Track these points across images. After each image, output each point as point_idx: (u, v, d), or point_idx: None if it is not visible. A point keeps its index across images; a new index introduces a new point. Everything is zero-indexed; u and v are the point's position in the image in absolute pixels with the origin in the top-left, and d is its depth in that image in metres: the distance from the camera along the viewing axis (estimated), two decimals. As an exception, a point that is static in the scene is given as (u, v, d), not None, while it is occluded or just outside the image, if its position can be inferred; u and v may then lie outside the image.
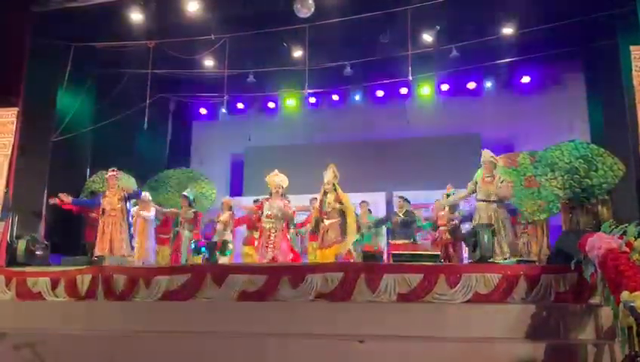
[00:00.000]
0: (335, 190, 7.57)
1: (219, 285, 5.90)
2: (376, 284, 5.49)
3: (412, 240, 8.94)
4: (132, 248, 7.87)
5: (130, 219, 7.97)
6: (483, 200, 6.98)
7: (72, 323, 6.03)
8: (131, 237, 7.89)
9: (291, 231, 8.53)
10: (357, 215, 8.61)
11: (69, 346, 5.58)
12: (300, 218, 9.47)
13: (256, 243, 8.41)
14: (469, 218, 8.65)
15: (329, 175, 7.60)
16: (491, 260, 6.28)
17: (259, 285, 5.77)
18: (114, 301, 6.19)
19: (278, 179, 7.81)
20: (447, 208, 8.94)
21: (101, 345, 5.51)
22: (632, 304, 3.72)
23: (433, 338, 4.99)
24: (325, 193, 7.60)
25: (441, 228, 8.91)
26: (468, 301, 5.30)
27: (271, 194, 7.81)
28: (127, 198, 7.94)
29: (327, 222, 7.49)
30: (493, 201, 6.93)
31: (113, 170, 8.12)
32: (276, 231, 7.56)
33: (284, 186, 7.82)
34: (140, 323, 5.85)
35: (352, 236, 7.73)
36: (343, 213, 7.53)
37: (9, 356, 5.58)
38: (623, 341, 3.91)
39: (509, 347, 4.71)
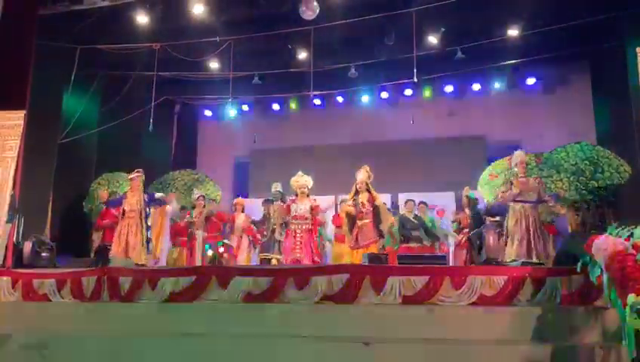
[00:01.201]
0: (368, 190, 7.57)
1: (224, 287, 5.90)
2: (381, 286, 5.48)
3: (422, 245, 8.83)
4: (148, 251, 7.82)
5: (148, 222, 7.90)
6: (519, 201, 6.88)
7: (78, 325, 6.05)
8: (148, 241, 7.84)
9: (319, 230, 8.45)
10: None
11: (75, 347, 5.58)
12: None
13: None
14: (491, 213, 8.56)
15: (362, 175, 7.61)
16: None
17: (264, 287, 5.77)
18: (119, 302, 6.21)
19: (302, 179, 7.87)
20: (467, 210, 8.81)
21: (106, 346, 5.51)
22: (638, 306, 3.70)
23: (438, 341, 4.97)
24: (357, 193, 7.60)
25: (465, 229, 8.78)
26: (473, 303, 5.29)
27: (297, 196, 7.83)
28: (148, 202, 7.89)
29: (360, 222, 7.48)
30: (530, 202, 6.84)
31: (138, 171, 8.07)
32: (302, 232, 7.56)
33: (309, 187, 7.85)
34: (146, 324, 5.86)
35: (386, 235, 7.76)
36: (375, 213, 7.52)
37: (15, 357, 5.60)
38: (629, 344, 3.89)
39: (514, 349, 4.69)
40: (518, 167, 7.08)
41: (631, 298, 3.91)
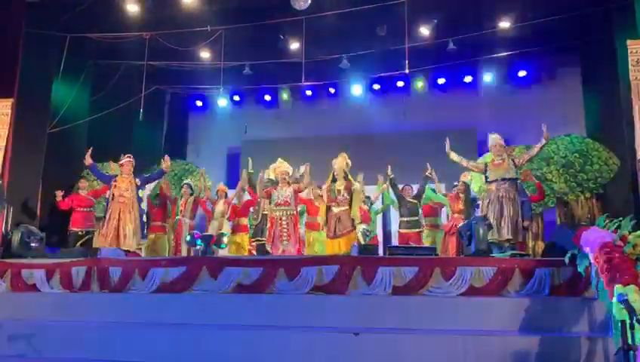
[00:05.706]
0: (346, 178, 7.50)
1: (214, 277, 5.90)
2: (372, 277, 5.50)
3: (420, 230, 8.84)
4: (144, 237, 7.75)
5: (141, 207, 7.81)
6: (494, 181, 6.89)
7: (67, 315, 6.02)
8: (143, 225, 7.76)
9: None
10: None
11: (64, 338, 5.56)
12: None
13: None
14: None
15: (340, 162, 7.52)
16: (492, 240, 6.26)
17: (254, 278, 5.77)
18: (109, 293, 6.19)
19: (284, 166, 7.71)
20: (462, 195, 8.75)
21: (96, 336, 5.50)
22: (625, 297, 3.73)
23: (428, 331, 5.00)
24: (334, 180, 7.51)
25: (456, 215, 8.67)
26: (463, 294, 5.32)
27: (278, 183, 7.71)
28: (139, 187, 7.81)
29: (336, 209, 7.39)
30: (504, 180, 6.84)
31: (128, 156, 8.00)
32: (287, 219, 7.44)
33: (290, 174, 7.75)
34: (135, 315, 5.85)
35: (359, 225, 7.71)
36: (350, 202, 7.46)
37: (4, 347, 5.57)
38: (616, 334, 3.93)
39: (503, 340, 4.72)
40: (492, 151, 7.08)
41: (618, 289, 3.96)
